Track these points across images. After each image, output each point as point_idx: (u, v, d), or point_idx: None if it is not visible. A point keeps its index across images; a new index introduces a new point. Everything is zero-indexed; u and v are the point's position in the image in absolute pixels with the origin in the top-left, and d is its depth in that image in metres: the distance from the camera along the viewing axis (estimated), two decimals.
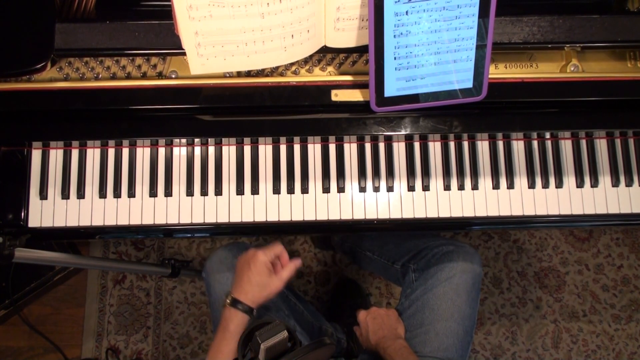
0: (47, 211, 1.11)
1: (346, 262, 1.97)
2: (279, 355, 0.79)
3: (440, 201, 1.14)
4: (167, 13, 0.94)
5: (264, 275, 1.00)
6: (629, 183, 1.16)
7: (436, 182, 1.15)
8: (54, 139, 1.10)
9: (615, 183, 1.16)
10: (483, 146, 1.16)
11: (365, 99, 1.05)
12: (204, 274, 1.25)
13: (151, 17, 1.00)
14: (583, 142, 1.17)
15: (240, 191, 1.13)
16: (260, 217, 1.12)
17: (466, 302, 1.17)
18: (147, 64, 1.07)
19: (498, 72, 1.09)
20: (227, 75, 1.07)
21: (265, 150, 1.14)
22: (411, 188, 1.14)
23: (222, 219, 1.12)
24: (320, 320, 1.48)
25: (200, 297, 1.94)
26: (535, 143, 1.17)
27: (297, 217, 1.13)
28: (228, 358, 0.93)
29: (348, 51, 1.02)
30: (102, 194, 1.12)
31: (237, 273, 1.04)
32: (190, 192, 1.12)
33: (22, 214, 1.10)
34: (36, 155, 1.13)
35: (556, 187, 1.15)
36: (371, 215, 1.13)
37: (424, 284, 1.21)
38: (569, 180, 1.16)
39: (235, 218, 1.12)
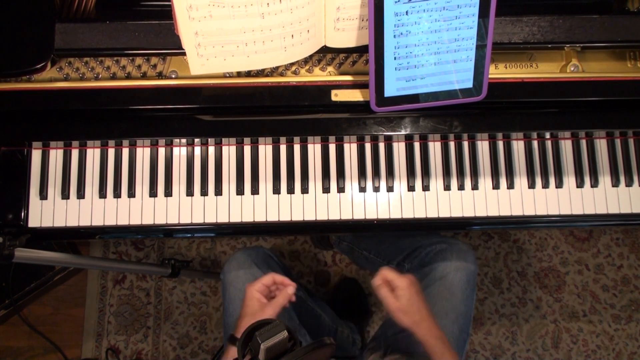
0: (47, 211, 1.11)
1: (346, 261, 1.97)
2: (279, 355, 0.78)
3: (440, 201, 1.14)
4: (167, 13, 0.94)
5: (254, 307, 1.00)
6: (629, 183, 1.16)
7: (436, 182, 1.15)
8: (54, 139, 1.10)
9: (615, 183, 1.16)
10: (483, 146, 1.16)
11: (365, 99, 1.05)
12: (221, 276, 1.26)
13: (151, 17, 1.00)
14: (583, 142, 1.17)
15: (240, 191, 1.13)
16: (260, 217, 1.12)
17: (461, 300, 1.17)
18: (147, 64, 1.07)
19: (498, 72, 1.09)
20: (227, 75, 1.07)
21: (265, 150, 1.14)
22: (411, 188, 1.14)
23: (222, 219, 1.12)
24: (337, 323, 1.47)
25: (200, 297, 1.94)
26: (535, 143, 1.17)
27: (297, 217, 1.13)
28: None
29: (348, 51, 1.02)
30: (102, 194, 1.12)
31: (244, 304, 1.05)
32: (190, 192, 1.12)
33: (22, 214, 1.10)
34: (36, 155, 1.13)
35: (556, 187, 1.15)
36: (371, 215, 1.13)
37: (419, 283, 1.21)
38: (569, 180, 1.16)
39: (235, 218, 1.12)
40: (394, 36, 0.95)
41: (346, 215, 1.13)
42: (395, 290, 1.02)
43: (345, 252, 1.70)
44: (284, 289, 1.04)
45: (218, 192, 1.12)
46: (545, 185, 1.15)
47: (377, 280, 1.04)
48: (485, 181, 1.15)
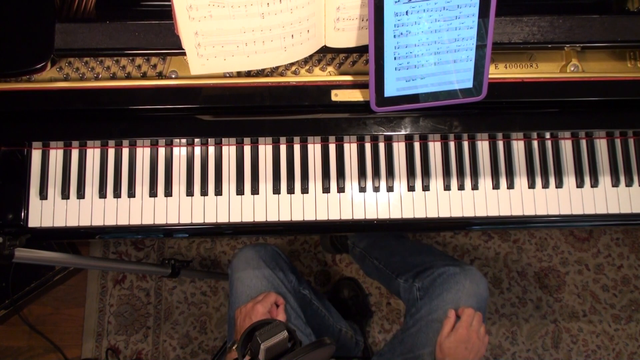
0: (47, 211, 1.11)
1: (346, 262, 1.97)
2: (279, 355, 0.78)
3: (440, 201, 1.14)
4: (167, 13, 0.94)
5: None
6: (629, 183, 1.16)
7: (436, 182, 1.15)
8: (54, 139, 1.10)
9: (615, 183, 1.16)
10: (483, 146, 1.16)
11: (365, 99, 1.05)
12: (229, 271, 1.25)
13: (151, 17, 1.00)
14: (583, 142, 1.17)
15: (240, 191, 1.13)
16: (260, 217, 1.12)
17: None
18: (147, 64, 1.07)
19: (498, 72, 1.09)
20: (227, 75, 1.07)
21: (265, 150, 1.14)
22: (411, 188, 1.14)
23: (222, 219, 1.12)
24: (341, 323, 1.48)
25: (200, 297, 1.94)
26: (535, 143, 1.17)
27: (297, 217, 1.12)
28: None
29: (348, 51, 1.02)
30: (102, 194, 1.12)
31: (239, 325, 1.10)
32: (190, 192, 1.12)
33: (22, 214, 1.10)
34: (36, 155, 1.13)
35: (556, 187, 1.15)
36: (371, 215, 1.13)
37: (429, 304, 1.20)
38: (569, 180, 1.16)
39: (235, 218, 1.12)
40: (394, 36, 0.95)
41: (346, 215, 1.13)
42: (453, 330, 1.12)
43: (357, 258, 1.70)
44: (281, 305, 1.14)
45: (218, 192, 1.12)
46: (545, 185, 1.15)
47: (453, 312, 1.15)
48: (485, 181, 1.15)
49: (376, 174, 1.14)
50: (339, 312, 1.82)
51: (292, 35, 0.95)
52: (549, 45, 1.03)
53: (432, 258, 1.32)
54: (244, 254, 1.24)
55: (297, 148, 1.14)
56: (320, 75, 1.08)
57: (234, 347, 1.00)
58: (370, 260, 1.54)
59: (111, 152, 1.14)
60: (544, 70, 1.10)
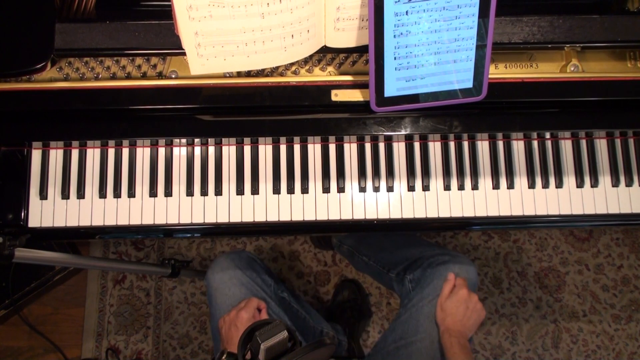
0: (47, 211, 1.11)
1: (346, 262, 1.97)
2: (279, 355, 0.78)
3: (440, 201, 1.14)
4: (167, 13, 0.94)
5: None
6: (629, 183, 1.16)
7: (436, 182, 1.15)
8: (54, 139, 1.10)
9: (615, 183, 1.16)
10: (483, 146, 1.16)
11: (365, 99, 1.05)
12: (205, 282, 1.26)
13: (151, 17, 1.00)
14: (583, 142, 1.17)
15: (240, 191, 1.13)
16: (260, 217, 1.12)
17: None
18: (147, 64, 1.07)
19: (498, 72, 1.09)
20: (227, 75, 1.07)
21: (265, 150, 1.14)
22: (411, 188, 1.14)
23: (222, 219, 1.12)
24: (322, 324, 1.48)
25: (200, 297, 1.94)
26: (535, 143, 1.17)
27: (297, 217, 1.12)
28: None
29: (348, 51, 1.02)
30: (102, 194, 1.12)
31: (225, 335, 1.11)
32: (190, 192, 1.12)
33: (22, 214, 1.10)
34: (36, 155, 1.13)
35: (556, 187, 1.15)
36: (371, 215, 1.13)
37: (421, 293, 1.22)
38: (569, 180, 1.16)
39: (235, 218, 1.12)
40: (394, 36, 0.95)
41: (346, 215, 1.13)
42: (454, 292, 1.15)
43: (346, 255, 1.71)
44: (264, 309, 1.15)
45: (218, 192, 1.12)
46: (545, 185, 1.15)
47: (452, 275, 1.19)
48: (485, 181, 1.15)
49: (376, 174, 1.14)
50: (335, 314, 1.82)
51: (292, 35, 0.95)
52: (549, 45, 1.03)
53: (421, 249, 1.33)
54: (219, 264, 1.24)
55: (297, 148, 1.14)
56: (320, 75, 1.08)
57: (223, 357, 1.00)
58: (359, 257, 1.55)
59: (111, 152, 1.14)
60: (544, 70, 1.10)
